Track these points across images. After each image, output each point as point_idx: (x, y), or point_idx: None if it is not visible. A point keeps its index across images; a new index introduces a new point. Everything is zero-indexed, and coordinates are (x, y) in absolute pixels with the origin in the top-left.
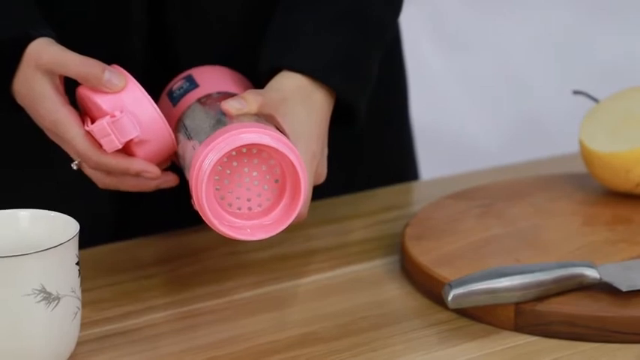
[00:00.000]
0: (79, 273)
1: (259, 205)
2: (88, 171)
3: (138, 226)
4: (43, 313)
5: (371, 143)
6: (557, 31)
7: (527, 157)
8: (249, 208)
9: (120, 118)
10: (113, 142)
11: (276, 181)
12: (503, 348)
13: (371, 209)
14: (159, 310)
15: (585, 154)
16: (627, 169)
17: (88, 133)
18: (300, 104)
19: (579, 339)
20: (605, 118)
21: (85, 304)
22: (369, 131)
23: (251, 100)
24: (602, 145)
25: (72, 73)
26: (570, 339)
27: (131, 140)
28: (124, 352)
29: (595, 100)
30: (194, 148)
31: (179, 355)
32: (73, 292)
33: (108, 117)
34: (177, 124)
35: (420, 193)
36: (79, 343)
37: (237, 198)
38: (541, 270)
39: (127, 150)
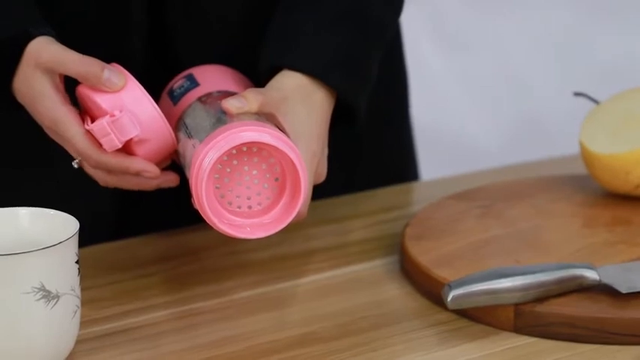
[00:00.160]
0: (79, 271)
1: (259, 204)
2: (89, 169)
3: (138, 225)
4: (42, 312)
5: (371, 143)
6: (557, 31)
7: (528, 157)
8: (249, 207)
9: (119, 118)
10: (113, 141)
11: (276, 179)
12: (502, 349)
13: (371, 209)
14: (158, 309)
15: (585, 156)
16: (627, 170)
17: (88, 132)
18: (301, 103)
19: (579, 340)
20: (605, 120)
21: (85, 302)
22: (369, 131)
23: (251, 99)
24: (602, 146)
25: (71, 72)
26: (570, 340)
27: (131, 139)
28: (124, 350)
29: (595, 101)
30: (194, 147)
31: (179, 354)
32: (72, 290)
33: (108, 116)
34: (177, 123)
35: (419, 194)
36: (79, 342)
37: (237, 196)
38: (541, 271)
39: (127, 149)
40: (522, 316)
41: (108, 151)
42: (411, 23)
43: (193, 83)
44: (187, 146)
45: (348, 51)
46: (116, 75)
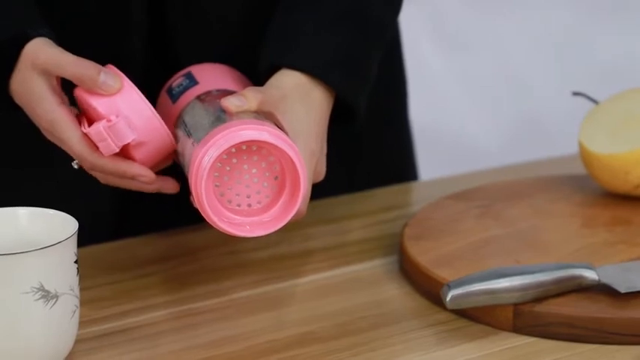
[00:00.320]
0: (78, 271)
1: (258, 202)
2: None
3: (137, 225)
4: (41, 312)
5: (370, 143)
6: (557, 31)
7: (527, 157)
8: (249, 205)
9: (116, 123)
10: (110, 146)
11: (276, 178)
12: (501, 349)
13: (370, 209)
14: (158, 309)
15: (585, 156)
16: (626, 170)
17: (85, 135)
18: (299, 102)
19: (578, 340)
20: (604, 120)
21: (84, 302)
22: (368, 131)
23: (251, 98)
24: (602, 146)
25: (68, 74)
26: (569, 340)
27: (128, 143)
28: (123, 350)
29: (595, 101)
30: (193, 145)
31: (178, 354)
32: (71, 290)
33: (104, 121)
34: (176, 121)
35: (419, 194)
36: (78, 342)
37: (237, 195)
38: (540, 271)
39: (124, 152)
40: (521, 316)
41: (105, 155)
42: (411, 23)
43: (192, 82)
44: (186, 144)
45: (348, 51)
46: (112, 78)
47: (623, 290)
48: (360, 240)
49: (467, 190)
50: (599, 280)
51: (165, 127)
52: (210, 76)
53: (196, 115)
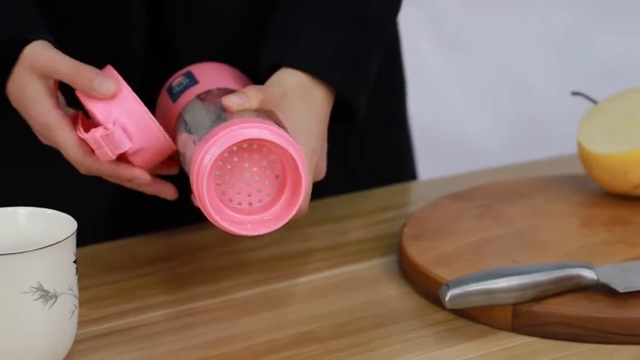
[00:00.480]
0: (77, 271)
1: (260, 201)
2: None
3: (136, 225)
4: (40, 311)
5: (370, 143)
6: (557, 31)
7: (527, 157)
8: (250, 204)
9: (112, 132)
10: (107, 154)
11: (277, 176)
12: (500, 349)
13: (369, 209)
14: (157, 309)
15: (583, 156)
16: (626, 170)
17: (81, 138)
18: (300, 100)
19: (576, 340)
20: (603, 120)
21: (83, 302)
22: (368, 131)
23: (252, 96)
24: (601, 146)
25: (64, 78)
26: (567, 340)
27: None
28: (122, 350)
29: (594, 101)
30: (194, 144)
31: (177, 354)
32: (70, 290)
33: (101, 129)
34: (177, 120)
35: (418, 194)
36: (77, 341)
37: (238, 193)
38: (538, 271)
39: (122, 157)
40: (520, 316)
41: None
42: (411, 23)
43: (192, 81)
44: (187, 143)
45: (348, 51)
46: (108, 83)
47: (621, 290)
48: (359, 240)
49: (466, 189)
50: (598, 280)
51: (164, 132)
52: (211, 75)
53: (197, 114)
